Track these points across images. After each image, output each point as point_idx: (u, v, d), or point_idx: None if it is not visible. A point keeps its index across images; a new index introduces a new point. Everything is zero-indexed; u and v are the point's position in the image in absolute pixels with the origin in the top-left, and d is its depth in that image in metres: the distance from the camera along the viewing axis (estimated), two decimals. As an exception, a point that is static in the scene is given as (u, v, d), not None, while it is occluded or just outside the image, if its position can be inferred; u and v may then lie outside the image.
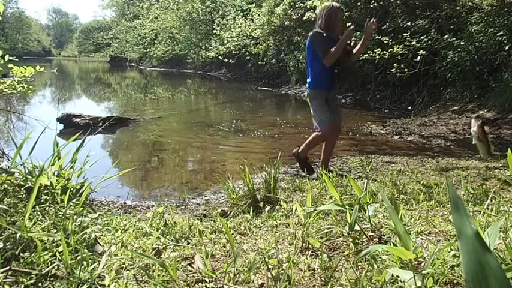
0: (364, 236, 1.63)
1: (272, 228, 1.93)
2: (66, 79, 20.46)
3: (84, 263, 1.40)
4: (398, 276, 1.23)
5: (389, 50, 6.33)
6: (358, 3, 8.31)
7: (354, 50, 3.33)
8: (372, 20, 3.17)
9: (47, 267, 1.37)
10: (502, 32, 6.06)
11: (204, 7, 23.04)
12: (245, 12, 16.38)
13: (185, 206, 2.83)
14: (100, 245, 1.63)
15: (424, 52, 6.24)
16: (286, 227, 1.93)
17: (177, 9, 24.58)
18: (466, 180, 2.72)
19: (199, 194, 3.23)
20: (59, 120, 5.95)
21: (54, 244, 1.53)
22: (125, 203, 2.95)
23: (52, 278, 1.33)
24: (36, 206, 1.85)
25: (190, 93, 14.13)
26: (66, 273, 1.35)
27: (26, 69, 3.64)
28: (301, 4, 10.91)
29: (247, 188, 2.45)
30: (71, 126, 5.93)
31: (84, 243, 1.60)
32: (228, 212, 2.44)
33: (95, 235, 1.70)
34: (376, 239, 1.64)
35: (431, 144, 5.05)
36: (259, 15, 13.85)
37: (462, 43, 6.61)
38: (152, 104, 10.47)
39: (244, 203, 2.41)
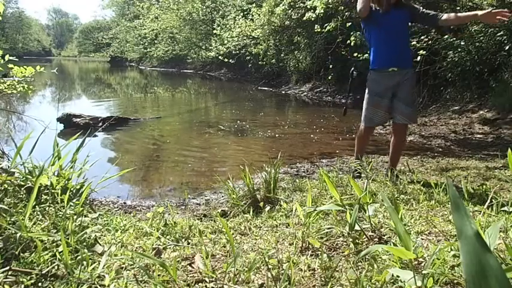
0: (364, 236, 1.63)
1: (272, 228, 1.93)
2: (66, 79, 20.45)
3: (84, 263, 1.40)
4: (398, 276, 1.23)
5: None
6: None
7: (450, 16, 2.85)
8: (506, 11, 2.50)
9: (47, 267, 1.37)
10: (502, 32, 6.06)
11: (204, 7, 23.05)
12: (245, 12, 16.39)
13: (185, 206, 2.82)
14: (100, 245, 1.63)
15: (424, 52, 6.23)
16: (286, 227, 1.93)
17: (177, 9, 24.57)
18: (466, 180, 2.72)
19: (199, 194, 3.23)
20: (59, 120, 5.95)
21: (54, 244, 1.53)
22: (125, 203, 2.95)
23: (52, 278, 1.33)
24: (36, 206, 1.85)
25: (191, 93, 14.13)
26: (66, 273, 1.35)
27: (26, 69, 3.64)
28: (301, 4, 10.90)
29: (247, 188, 2.44)
30: (71, 126, 5.93)
31: (84, 243, 1.60)
32: (228, 212, 2.44)
33: (95, 235, 1.70)
34: (376, 239, 1.64)
35: (431, 144, 5.04)
36: (259, 15, 13.85)
37: (462, 43, 6.60)
38: (152, 104, 10.47)
39: (244, 203, 2.41)
